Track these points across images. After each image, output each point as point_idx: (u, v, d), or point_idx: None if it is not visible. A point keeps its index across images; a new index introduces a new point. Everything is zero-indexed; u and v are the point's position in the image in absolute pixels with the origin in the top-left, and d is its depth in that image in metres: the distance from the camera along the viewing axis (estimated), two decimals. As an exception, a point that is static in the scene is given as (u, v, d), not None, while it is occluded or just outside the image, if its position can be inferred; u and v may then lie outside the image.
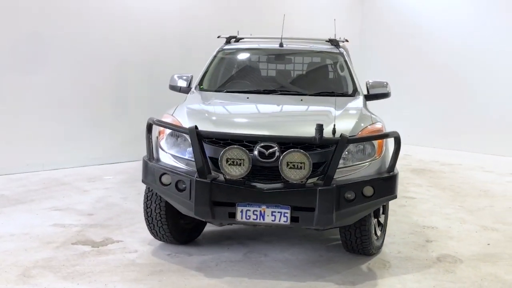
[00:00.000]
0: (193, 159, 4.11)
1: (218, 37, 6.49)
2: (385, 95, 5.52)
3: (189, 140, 4.07)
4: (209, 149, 4.06)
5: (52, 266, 4.33)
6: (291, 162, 3.86)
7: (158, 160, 4.30)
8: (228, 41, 6.19)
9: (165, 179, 4.14)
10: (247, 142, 4.06)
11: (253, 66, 6.03)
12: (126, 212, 5.95)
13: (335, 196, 3.90)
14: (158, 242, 4.91)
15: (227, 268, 4.38)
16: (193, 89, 5.37)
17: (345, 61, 5.72)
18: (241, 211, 3.99)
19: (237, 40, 6.25)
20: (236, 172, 3.90)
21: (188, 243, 4.86)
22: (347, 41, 6.17)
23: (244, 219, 4.00)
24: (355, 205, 3.99)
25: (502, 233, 5.56)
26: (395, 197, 4.21)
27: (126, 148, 8.90)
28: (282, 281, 4.14)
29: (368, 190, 4.02)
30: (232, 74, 5.84)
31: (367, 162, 4.14)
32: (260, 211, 3.97)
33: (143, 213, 4.77)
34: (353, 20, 12.95)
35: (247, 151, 3.92)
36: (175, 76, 5.62)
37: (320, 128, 3.94)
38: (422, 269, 4.47)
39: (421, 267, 4.52)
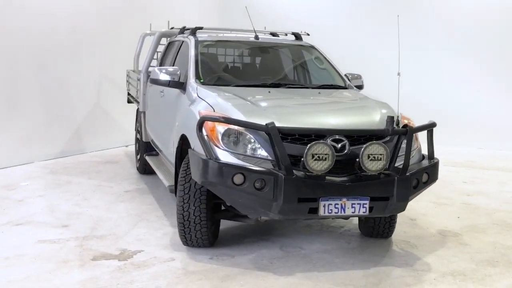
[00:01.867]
0: (259, 156, 4.03)
1: (171, 28, 6.19)
2: (360, 87, 5.86)
3: (249, 137, 4.05)
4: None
5: (107, 287, 3.85)
6: (371, 154, 4.00)
7: (217, 159, 4.06)
8: (193, 32, 5.93)
9: (239, 178, 3.95)
10: (315, 136, 4.07)
11: (241, 59, 5.90)
12: (101, 220, 5.42)
13: (410, 184, 4.14)
14: (183, 247, 4.62)
15: (285, 265, 4.34)
16: (192, 83, 5.08)
17: (322, 54, 5.93)
18: (324, 206, 4.00)
19: (193, 32, 5.97)
20: (320, 167, 3.92)
21: (212, 246, 4.65)
22: (308, 34, 6.36)
23: (326, 213, 4.03)
24: (417, 191, 4.29)
25: (455, 207, 6.33)
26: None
27: (22, 149, 7.92)
28: (354, 270, 4.26)
29: (425, 177, 4.34)
30: (225, 67, 5.65)
31: (414, 151, 4.44)
32: (341, 204, 4.04)
33: (177, 218, 4.46)
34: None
35: (331, 146, 3.95)
36: (160, 70, 5.23)
37: (391, 120, 4.14)
38: (442, 245, 4.95)
39: (438, 243, 5.00)
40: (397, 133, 4.18)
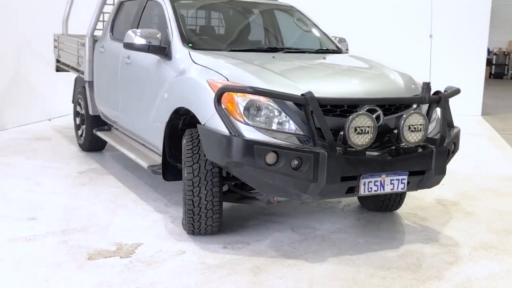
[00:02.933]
0: (287, 131, 3.57)
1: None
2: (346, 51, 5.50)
3: (286, 109, 3.57)
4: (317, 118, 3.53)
5: (127, 292, 3.24)
6: (412, 125, 3.66)
7: (242, 135, 3.52)
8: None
9: (272, 158, 3.45)
10: (348, 107, 3.66)
11: (225, 21, 5.27)
12: (71, 208, 4.71)
13: (446, 156, 3.87)
14: (185, 236, 4.06)
15: (309, 249, 3.94)
16: (180, 47, 4.42)
17: (306, 16, 5.46)
18: (364, 184, 3.62)
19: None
20: (362, 141, 3.52)
21: (216, 233, 4.12)
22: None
23: (366, 192, 3.65)
24: (448, 162, 4.03)
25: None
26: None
27: None
28: (385, 251, 3.94)
29: (452, 147, 4.09)
30: (211, 31, 5.01)
31: (435, 120, 4.16)
32: (381, 181, 3.67)
33: (186, 205, 3.88)
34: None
35: (374, 118, 3.56)
36: (135, 33, 4.49)
37: (428, 86, 3.81)
38: (450, 216, 4.77)
39: (444, 213, 4.82)
40: (433, 101, 3.86)
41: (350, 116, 3.48)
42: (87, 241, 3.95)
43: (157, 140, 4.51)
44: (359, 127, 3.48)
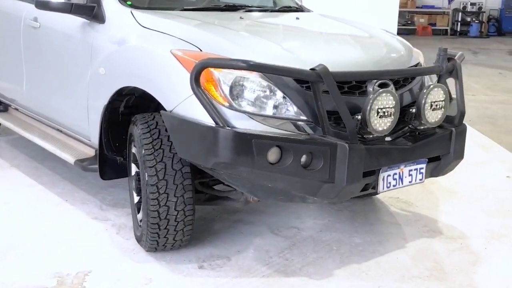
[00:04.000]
0: (285, 116, 2.75)
1: None
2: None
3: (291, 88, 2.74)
4: (328, 99, 2.72)
5: None
6: (434, 102, 2.97)
7: (231, 126, 2.64)
8: None
9: (275, 154, 2.61)
10: (356, 82, 2.89)
11: None
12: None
13: (465, 136, 3.24)
14: (145, 256, 3.15)
15: (305, 259, 3.19)
16: (118, 7, 3.35)
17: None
18: (383, 179, 2.90)
19: None
20: (384, 126, 2.78)
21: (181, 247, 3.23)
22: None
23: (385, 188, 2.93)
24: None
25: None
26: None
27: None
28: (392, 252, 3.27)
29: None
30: None
31: None
32: (399, 173, 2.97)
33: (149, 217, 2.95)
34: None
35: (397, 96, 2.82)
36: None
37: (445, 53, 3.11)
38: (436, 197, 4.21)
39: (427, 195, 4.23)
40: (451, 70, 3.17)
41: (372, 95, 2.70)
42: (11, 276, 2.89)
43: (88, 127, 3.48)
44: (382, 109, 2.71)
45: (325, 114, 2.66)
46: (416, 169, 3.03)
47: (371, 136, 2.78)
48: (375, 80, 2.88)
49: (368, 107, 2.68)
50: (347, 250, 3.29)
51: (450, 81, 3.19)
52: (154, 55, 2.94)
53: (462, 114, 3.15)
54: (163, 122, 2.87)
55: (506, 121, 6.65)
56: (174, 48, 2.85)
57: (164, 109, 2.85)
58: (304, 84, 2.72)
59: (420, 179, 3.07)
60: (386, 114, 2.74)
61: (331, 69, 2.65)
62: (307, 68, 2.65)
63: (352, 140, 2.64)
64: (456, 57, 3.23)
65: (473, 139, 5.62)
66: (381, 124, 2.74)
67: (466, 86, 8.35)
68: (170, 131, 2.82)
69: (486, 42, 16.74)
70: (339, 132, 2.67)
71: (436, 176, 3.25)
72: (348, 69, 2.84)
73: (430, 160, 3.11)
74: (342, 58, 2.99)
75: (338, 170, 2.65)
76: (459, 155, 3.19)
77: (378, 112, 2.71)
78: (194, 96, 2.65)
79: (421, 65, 3.39)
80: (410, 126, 3.03)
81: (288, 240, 3.39)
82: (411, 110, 2.97)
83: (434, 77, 3.36)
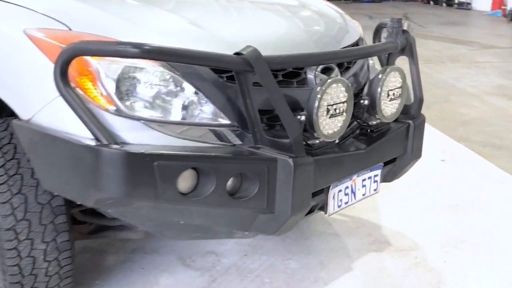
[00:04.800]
0: (198, 122, 1.92)
1: None
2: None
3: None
4: (259, 94, 1.92)
5: None
6: (391, 90, 2.27)
7: (120, 142, 1.78)
8: None
9: (188, 180, 1.79)
10: (294, 69, 2.11)
11: None
12: None
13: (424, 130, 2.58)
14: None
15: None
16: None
17: None
18: (334, 197, 2.16)
19: None
20: (337, 127, 2.04)
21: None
22: None
23: (336, 209, 2.20)
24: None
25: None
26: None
27: None
28: (342, 277, 2.58)
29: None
30: None
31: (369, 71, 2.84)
32: (351, 186, 2.25)
33: (4, 275, 2.02)
34: None
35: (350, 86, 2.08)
36: None
37: (400, 24, 2.41)
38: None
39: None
40: (403, 47, 2.46)
41: (320, 87, 1.93)
42: None
43: None
44: (333, 105, 1.96)
45: (257, 116, 1.87)
46: (370, 178, 2.33)
47: (317, 142, 2.02)
48: (317, 66, 2.12)
49: (316, 104, 1.91)
50: (283, 282, 2.55)
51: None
52: (-1, 37, 1.98)
53: (420, 102, 2.48)
54: (19, 135, 1.94)
55: (431, 89, 6.19)
56: (30, 27, 1.90)
57: (18, 118, 1.91)
58: (225, 74, 1.90)
59: (375, 190, 2.38)
60: (338, 111, 1.99)
61: (263, 52, 1.84)
62: (230, 52, 1.82)
63: (298, 152, 1.86)
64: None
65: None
66: (331, 126, 1.99)
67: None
68: (28, 150, 1.90)
69: (379, 6, 16.63)
70: (277, 141, 1.89)
71: (390, 181, 2.58)
72: (284, 52, 2.03)
73: (385, 163, 2.42)
74: (275, 37, 2.19)
75: (279, 195, 1.87)
76: (417, 154, 2.53)
77: (328, 110, 1.95)
78: (60, 97, 1.74)
79: (362, 41, 2.67)
80: (361, 122, 2.31)
81: (206, 274, 2.60)
82: (362, 102, 2.24)
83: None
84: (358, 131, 2.32)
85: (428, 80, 6.72)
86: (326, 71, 2.19)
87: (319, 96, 1.92)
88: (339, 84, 1.98)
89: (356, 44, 2.50)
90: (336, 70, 2.23)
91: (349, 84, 2.04)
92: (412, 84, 2.48)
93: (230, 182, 1.83)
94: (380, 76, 2.21)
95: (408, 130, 2.42)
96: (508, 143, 4.55)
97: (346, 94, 2.02)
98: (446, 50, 8.77)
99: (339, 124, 2.03)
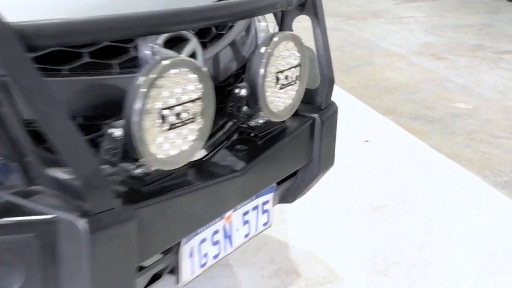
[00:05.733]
0: None
1: None
2: None
3: None
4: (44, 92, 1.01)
5: None
6: (283, 72, 1.43)
7: None
8: None
9: None
10: (114, 42, 1.21)
11: None
12: None
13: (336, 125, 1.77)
14: None
15: None
16: None
17: None
18: (191, 254, 1.32)
19: None
20: (182, 147, 1.18)
21: None
22: None
23: (195, 273, 1.36)
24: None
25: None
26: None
27: None
28: None
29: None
30: None
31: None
32: (224, 227, 1.41)
33: None
34: None
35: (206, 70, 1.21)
36: None
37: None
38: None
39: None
40: (302, 3, 1.61)
41: (144, 77, 1.05)
42: None
43: None
44: (171, 107, 1.10)
45: (25, 135, 0.98)
46: (256, 209, 1.50)
47: (152, 170, 1.16)
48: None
49: (136, 107, 1.04)
50: None
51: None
52: None
53: (329, 84, 1.65)
54: None
55: (343, 54, 5.44)
56: None
57: None
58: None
59: (265, 224, 1.56)
60: (182, 119, 1.13)
61: (39, 16, 0.94)
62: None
63: (99, 203, 0.98)
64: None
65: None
66: (171, 144, 1.13)
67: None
68: None
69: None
70: (65, 184, 1.01)
71: (291, 201, 1.76)
72: (88, 14, 1.12)
73: (280, 181, 1.59)
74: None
75: (70, 285, 1.00)
76: (328, 161, 1.72)
77: (163, 117, 1.08)
78: None
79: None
80: (237, 122, 1.46)
81: None
82: (237, 92, 1.39)
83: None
84: (235, 137, 1.48)
85: (349, 39, 5.97)
86: (177, 43, 1.32)
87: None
88: (186, 70, 1.12)
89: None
90: (195, 41, 1.35)
91: (205, 69, 1.18)
92: (317, 57, 1.64)
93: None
94: (263, 50, 1.35)
95: (313, 128, 1.60)
96: (440, 114, 3.86)
97: (201, 86, 1.16)
98: (369, 4, 8.05)
99: (189, 144, 1.17)
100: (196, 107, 1.17)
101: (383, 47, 5.73)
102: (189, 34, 1.34)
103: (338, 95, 4.02)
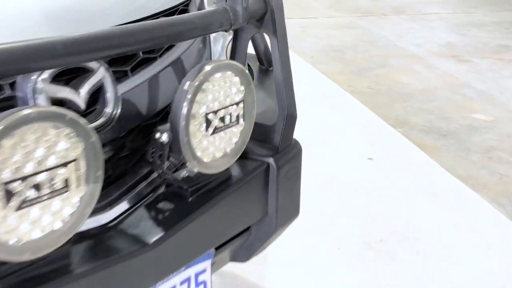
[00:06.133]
0: None
1: None
2: None
3: None
4: None
5: None
6: (217, 111, 1.10)
7: None
8: None
9: None
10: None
11: None
12: None
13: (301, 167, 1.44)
14: None
15: None
16: None
17: None
18: None
19: None
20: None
21: None
22: None
23: None
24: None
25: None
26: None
27: None
28: None
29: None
30: None
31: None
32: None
33: None
34: None
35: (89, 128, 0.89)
36: None
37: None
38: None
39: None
40: (260, 17, 1.28)
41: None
42: None
43: None
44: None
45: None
46: (186, 282, 1.18)
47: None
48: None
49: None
50: None
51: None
52: None
53: (289, 121, 1.32)
54: None
55: (356, 54, 5.07)
56: None
57: None
58: None
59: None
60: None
61: None
62: None
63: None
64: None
65: (318, 91, 3.97)
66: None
67: (305, 3, 6.49)
68: None
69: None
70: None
71: (245, 260, 1.44)
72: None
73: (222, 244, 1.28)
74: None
75: None
76: (290, 213, 1.39)
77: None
78: None
79: (197, 5, 1.47)
80: (162, 173, 1.15)
81: None
82: (157, 137, 1.07)
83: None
84: (160, 191, 1.16)
85: (364, 38, 5.59)
86: (78, 75, 1.01)
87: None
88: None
89: (172, 13, 1.30)
90: (102, 70, 1.03)
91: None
92: (276, 86, 1.31)
93: None
94: (186, 86, 1.03)
95: (267, 175, 1.27)
96: (456, 127, 3.49)
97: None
98: (390, -1, 7.64)
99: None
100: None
101: (401, 47, 5.34)
102: (93, 64, 1.03)
103: (344, 103, 3.72)
